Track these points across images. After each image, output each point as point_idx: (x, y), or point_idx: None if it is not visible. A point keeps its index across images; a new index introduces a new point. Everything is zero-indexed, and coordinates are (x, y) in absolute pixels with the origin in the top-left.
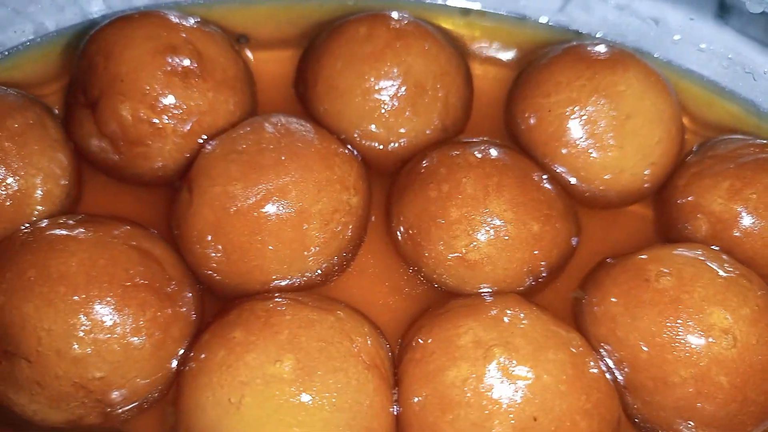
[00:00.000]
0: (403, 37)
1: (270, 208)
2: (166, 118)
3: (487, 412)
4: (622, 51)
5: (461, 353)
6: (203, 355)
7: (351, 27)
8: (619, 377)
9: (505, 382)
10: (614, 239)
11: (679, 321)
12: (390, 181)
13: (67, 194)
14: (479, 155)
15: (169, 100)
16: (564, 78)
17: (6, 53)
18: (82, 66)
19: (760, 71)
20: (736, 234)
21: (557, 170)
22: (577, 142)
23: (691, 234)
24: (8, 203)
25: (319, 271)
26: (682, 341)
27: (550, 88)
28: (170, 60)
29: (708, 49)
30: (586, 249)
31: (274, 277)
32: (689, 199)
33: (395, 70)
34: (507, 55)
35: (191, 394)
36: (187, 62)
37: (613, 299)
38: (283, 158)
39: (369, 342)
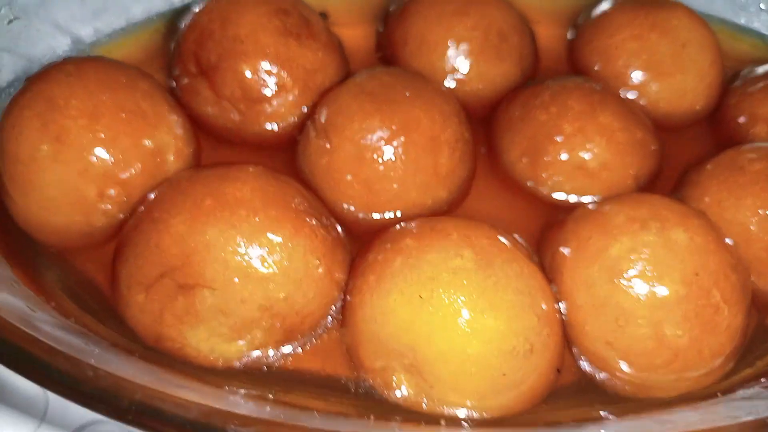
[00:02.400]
0: None
1: (407, 137)
2: (285, 74)
3: (656, 273)
4: None
5: (619, 230)
6: (377, 267)
7: None
8: None
9: (666, 246)
10: (686, 157)
11: None
12: (487, 122)
13: (194, 154)
14: (575, 82)
15: (287, 57)
16: (624, 19)
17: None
18: (191, 38)
19: None
20: None
21: (630, 98)
22: (645, 71)
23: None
24: (150, 158)
25: (444, 195)
26: None
27: (613, 30)
28: (284, 21)
29: None
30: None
31: (411, 204)
32: (744, 110)
33: (479, 21)
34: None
35: (372, 303)
36: (298, 23)
37: (714, 190)
38: (407, 94)
39: (522, 242)
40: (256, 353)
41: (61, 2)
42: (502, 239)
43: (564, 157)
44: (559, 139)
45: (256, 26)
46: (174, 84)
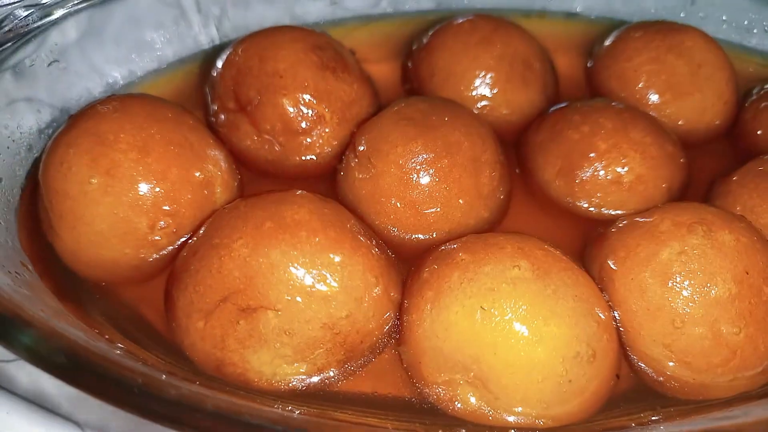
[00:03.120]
0: (503, 26)
1: (450, 159)
2: (324, 106)
3: (708, 273)
4: (674, 21)
5: (666, 236)
6: (434, 284)
7: (453, 25)
8: None
9: (715, 247)
10: (710, 171)
11: None
12: (517, 145)
13: (239, 186)
14: (600, 102)
15: (326, 90)
16: (640, 43)
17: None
18: (228, 76)
19: None
20: None
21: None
22: (665, 92)
23: None
24: (199, 190)
25: (486, 215)
26: None
27: (630, 54)
28: (321, 56)
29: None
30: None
31: (455, 224)
32: (761, 125)
33: (504, 51)
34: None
35: (432, 318)
36: (333, 58)
37: (746, 197)
38: (446, 119)
39: (569, 256)
40: (318, 376)
41: (97, 45)
42: (554, 250)
43: (601, 173)
44: (593, 155)
45: (294, 61)
46: (213, 120)
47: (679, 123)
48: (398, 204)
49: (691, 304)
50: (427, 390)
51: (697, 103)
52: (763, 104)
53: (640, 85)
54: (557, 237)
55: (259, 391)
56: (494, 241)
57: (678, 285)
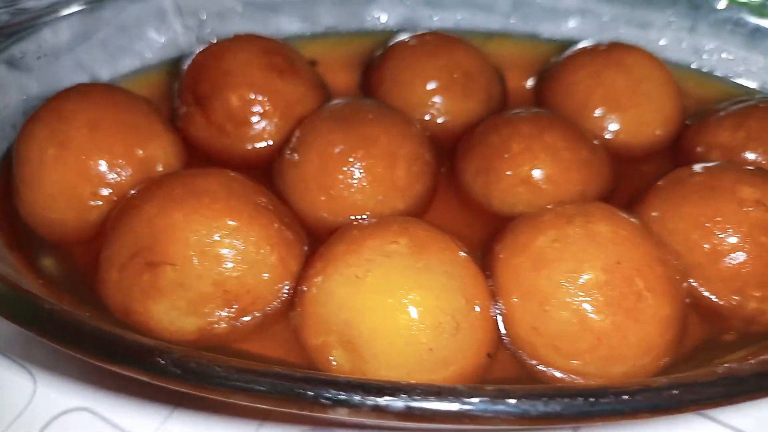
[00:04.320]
0: (449, 42)
1: (367, 150)
2: (267, 103)
3: (577, 261)
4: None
5: (546, 225)
6: (324, 255)
7: (406, 40)
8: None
9: (589, 236)
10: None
11: (717, 200)
12: (452, 150)
13: (182, 167)
14: (529, 111)
15: (270, 89)
16: (584, 60)
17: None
18: (191, 74)
19: None
20: (743, 156)
21: (592, 132)
22: (602, 105)
23: None
24: (139, 165)
25: (401, 207)
26: (723, 215)
27: (574, 69)
28: (269, 59)
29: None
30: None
31: (368, 212)
32: (701, 141)
33: (447, 63)
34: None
35: (317, 286)
36: (282, 62)
37: (658, 203)
38: (370, 116)
39: (460, 243)
40: (212, 330)
41: (85, 46)
42: (438, 233)
43: (510, 173)
44: (507, 156)
45: (243, 62)
46: (176, 113)
47: (616, 135)
48: (317, 190)
49: (558, 289)
50: (310, 353)
51: (634, 117)
52: (705, 122)
53: (580, 99)
54: (476, 233)
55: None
56: (386, 221)
57: (548, 270)
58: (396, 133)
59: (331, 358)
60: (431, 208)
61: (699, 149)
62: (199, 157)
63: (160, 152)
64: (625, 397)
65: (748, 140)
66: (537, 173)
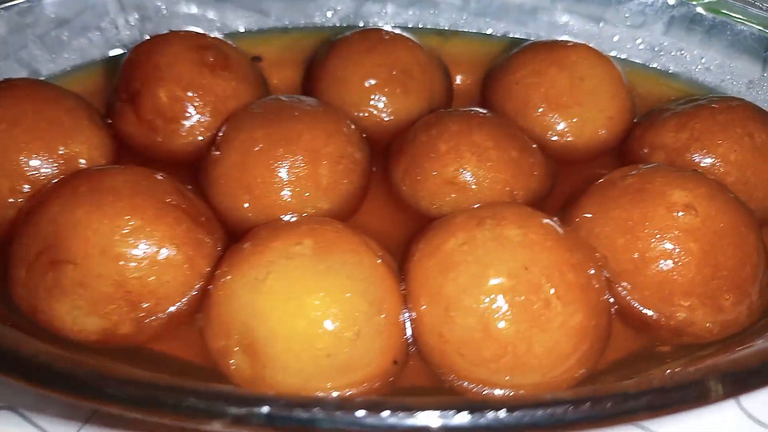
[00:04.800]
0: (391, 38)
1: (288, 148)
2: (196, 98)
3: (482, 265)
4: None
5: (456, 227)
6: (231, 256)
7: (348, 36)
8: (605, 273)
9: (497, 240)
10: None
11: (646, 203)
12: (387, 148)
13: (108, 164)
14: (462, 109)
15: (199, 84)
16: (527, 57)
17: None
18: (125, 70)
19: None
20: (687, 158)
21: (531, 131)
22: (542, 103)
23: None
24: (62, 163)
25: (326, 207)
26: (651, 219)
27: (517, 66)
28: (201, 55)
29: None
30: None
31: (290, 212)
32: (646, 141)
33: (385, 60)
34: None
35: (222, 287)
36: (215, 58)
37: (587, 205)
38: (296, 113)
39: (375, 244)
40: (115, 331)
41: (24, 45)
42: (353, 235)
43: (436, 172)
44: (433, 156)
45: (173, 57)
46: (110, 110)
47: (558, 135)
48: (238, 188)
49: (463, 294)
50: (213, 357)
51: (577, 116)
52: (650, 122)
53: (521, 98)
54: (405, 235)
55: (66, 340)
56: (296, 222)
57: (454, 274)
58: (321, 130)
59: (231, 362)
60: (362, 208)
61: (644, 150)
62: (133, 155)
63: (83, 148)
64: (502, 412)
65: (691, 141)
66: (463, 173)
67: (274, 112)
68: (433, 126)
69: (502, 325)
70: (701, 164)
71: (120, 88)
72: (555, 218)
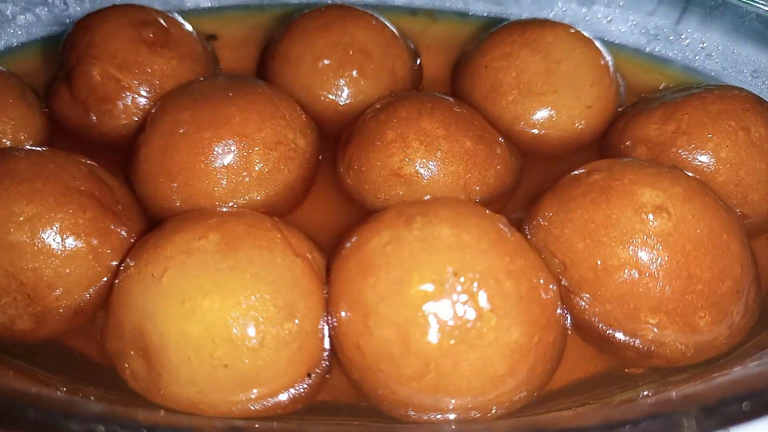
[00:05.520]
0: (350, 14)
1: (214, 131)
2: (131, 77)
3: (405, 269)
4: (547, 19)
5: (385, 224)
6: (135, 249)
7: (306, 12)
8: (564, 282)
9: (425, 241)
10: None
11: (610, 204)
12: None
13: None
14: (417, 94)
15: (135, 62)
16: (498, 38)
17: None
18: (65, 47)
19: None
20: (672, 153)
21: (501, 120)
22: (513, 90)
23: None
24: None
25: (259, 197)
26: (616, 222)
27: (486, 48)
28: (139, 30)
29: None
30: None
31: (217, 203)
32: (628, 134)
33: (341, 38)
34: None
35: (121, 284)
36: (155, 34)
37: (548, 204)
38: (230, 94)
39: (302, 241)
40: (13, 326)
41: None
42: (271, 230)
43: (380, 163)
44: (378, 144)
45: (109, 33)
46: (48, 89)
47: (529, 125)
48: (160, 174)
49: (382, 302)
50: (112, 360)
51: (548, 103)
52: (634, 113)
53: (490, 83)
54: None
55: None
56: (210, 213)
57: (374, 278)
58: (254, 113)
59: (126, 366)
60: (306, 201)
61: (626, 144)
62: (69, 138)
63: (7, 129)
64: None
65: (677, 134)
66: (410, 164)
67: (205, 93)
68: (382, 111)
69: (424, 338)
70: (687, 161)
71: (58, 68)
72: (503, 218)
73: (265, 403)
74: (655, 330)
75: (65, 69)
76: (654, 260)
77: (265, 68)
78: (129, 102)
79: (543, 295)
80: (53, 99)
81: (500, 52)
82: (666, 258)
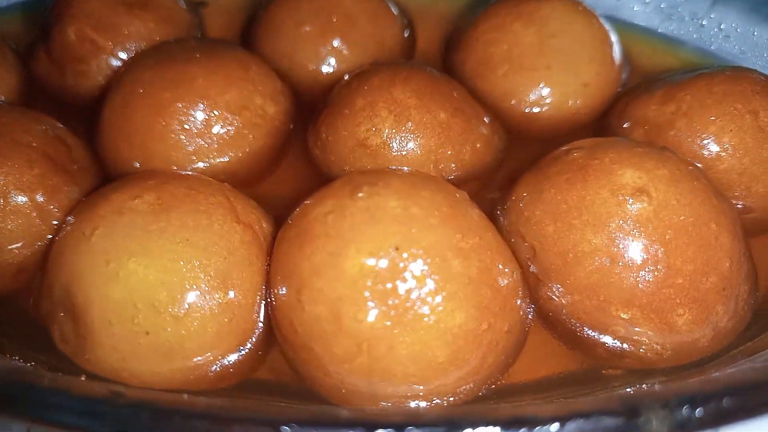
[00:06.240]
0: None
1: (174, 91)
2: (107, 38)
3: (343, 240)
4: None
5: (330, 193)
6: (77, 208)
7: None
8: (532, 268)
9: (369, 211)
10: None
11: (586, 184)
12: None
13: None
14: (396, 62)
15: (111, 22)
16: (493, 10)
17: None
18: (46, 8)
19: None
20: (670, 136)
21: (490, 96)
22: (504, 64)
23: None
24: None
25: (221, 163)
26: (590, 204)
27: (479, 21)
28: None
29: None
30: None
31: (174, 166)
32: (627, 115)
33: (325, 4)
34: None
35: (57, 242)
36: None
37: (524, 184)
38: (198, 55)
39: (251, 210)
40: None
41: None
42: (214, 194)
43: (347, 132)
44: (347, 112)
45: None
46: (30, 51)
47: (517, 103)
48: (118, 135)
49: (315, 275)
50: (43, 321)
51: (540, 79)
52: (634, 93)
53: (479, 56)
54: None
55: None
56: (150, 174)
57: (310, 249)
58: (220, 75)
59: (55, 327)
60: (277, 172)
61: (625, 125)
62: (46, 98)
63: None
64: None
65: (677, 116)
66: (376, 134)
67: (173, 54)
68: (356, 78)
69: (357, 317)
70: (686, 145)
71: (40, 27)
72: (464, 193)
73: (189, 375)
74: (628, 326)
75: (44, 30)
76: (628, 248)
77: (249, 35)
78: (103, 63)
79: (498, 279)
80: (30, 59)
81: (493, 24)
82: (642, 246)
